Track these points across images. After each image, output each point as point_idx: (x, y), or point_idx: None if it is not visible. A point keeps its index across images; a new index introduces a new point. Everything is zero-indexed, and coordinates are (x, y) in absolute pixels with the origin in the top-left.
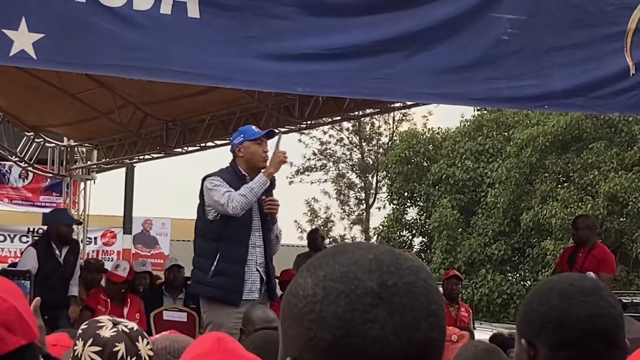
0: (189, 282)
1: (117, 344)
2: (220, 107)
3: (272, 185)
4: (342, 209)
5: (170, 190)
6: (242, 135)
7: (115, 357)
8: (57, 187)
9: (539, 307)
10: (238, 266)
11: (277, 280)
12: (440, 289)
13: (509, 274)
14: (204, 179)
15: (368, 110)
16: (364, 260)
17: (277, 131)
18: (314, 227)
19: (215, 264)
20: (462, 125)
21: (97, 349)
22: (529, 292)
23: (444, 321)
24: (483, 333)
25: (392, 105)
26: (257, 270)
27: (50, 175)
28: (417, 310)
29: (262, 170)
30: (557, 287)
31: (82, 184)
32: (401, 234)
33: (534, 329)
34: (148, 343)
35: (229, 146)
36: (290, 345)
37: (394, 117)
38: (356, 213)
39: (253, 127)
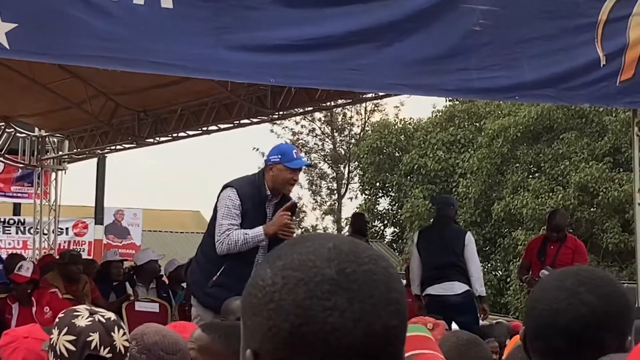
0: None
1: (91, 333)
2: (192, 97)
3: (294, 208)
4: (314, 199)
5: (142, 180)
6: (279, 156)
7: (89, 346)
8: (29, 178)
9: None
10: (239, 283)
11: None
12: (404, 280)
13: (481, 264)
14: (224, 187)
15: (340, 101)
16: (322, 249)
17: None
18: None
19: (217, 275)
20: (433, 115)
21: (72, 338)
22: None
23: (405, 309)
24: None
25: (364, 96)
26: None
27: (22, 165)
28: (376, 298)
29: (264, 226)
30: (544, 279)
31: (54, 174)
32: (373, 224)
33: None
34: (124, 334)
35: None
36: (250, 337)
37: (365, 108)
38: (328, 203)
39: (294, 151)
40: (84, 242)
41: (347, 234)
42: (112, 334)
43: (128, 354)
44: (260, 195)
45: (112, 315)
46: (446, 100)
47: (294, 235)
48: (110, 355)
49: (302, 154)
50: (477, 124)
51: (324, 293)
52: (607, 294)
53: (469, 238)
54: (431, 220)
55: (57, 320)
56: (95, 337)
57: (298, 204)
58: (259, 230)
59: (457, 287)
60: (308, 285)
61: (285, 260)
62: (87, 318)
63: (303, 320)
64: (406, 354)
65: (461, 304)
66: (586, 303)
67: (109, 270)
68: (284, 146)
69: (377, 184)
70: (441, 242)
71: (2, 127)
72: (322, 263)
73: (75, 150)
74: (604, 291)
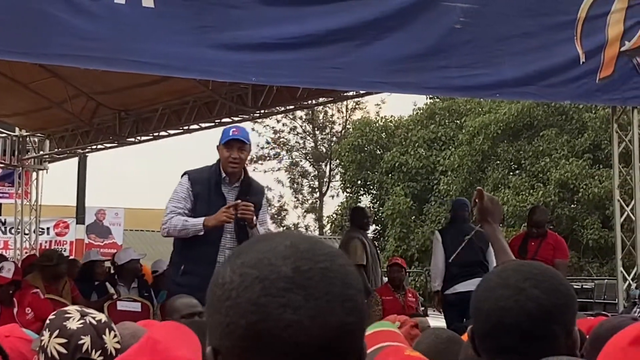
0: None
1: (82, 336)
2: (173, 96)
3: (246, 191)
4: (295, 197)
5: (124, 180)
6: (220, 139)
7: (80, 350)
8: (9, 178)
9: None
10: (206, 266)
11: None
12: (385, 278)
13: None
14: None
15: (321, 99)
16: (280, 247)
17: (243, 140)
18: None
19: (184, 262)
20: (414, 113)
21: (63, 340)
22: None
23: (362, 307)
24: (437, 320)
25: (345, 94)
26: None
27: (2, 165)
28: (332, 295)
29: (206, 218)
30: (486, 278)
31: (35, 174)
32: None
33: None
34: (115, 336)
35: (185, 135)
36: (211, 335)
37: (347, 106)
38: (309, 201)
39: (232, 130)
40: (65, 242)
41: (347, 228)
42: (104, 336)
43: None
44: (215, 179)
45: (103, 317)
46: (427, 98)
47: (252, 212)
48: (101, 358)
49: (284, 152)
50: (457, 121)
51: (279, 290)
52: (551, 287)
53: None
54: (447, 221)
55: (47, 321)
56: (86, 340)
57: (249, 200)
58: (199, 220)
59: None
60: (263, 282)
61: (244, 259)
62: (78, 320)
63: (259, 317)
64: (372, 348)
65: None
66: (532, 298)
67: (92, 270)
68: (226, 128)
69: (359, 181)
70: (468, 241)
71: None
72: (278, 261)
73: (56, 149)
74: (547, 285)
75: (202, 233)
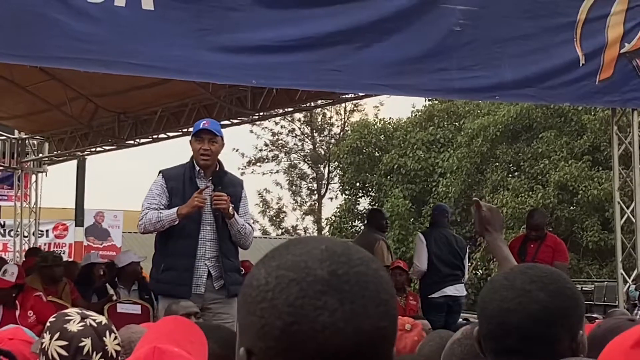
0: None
1: (83, 339)
2: (172, 99)
3: (219, 182)
4: (294, 199)
5: (122, 182)
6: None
7: (81, 352)
8: (9, 180)
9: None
10: (186, 260)
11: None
12: None
13: None
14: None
15: (320, 102)
16: (315, 250)
17: (213, 132)
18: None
19: (165, 259)
20: (413, 115)
21: (64, 343)
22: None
23: (394, 311)
24: None
25: (344, 96)
26: (205, 264)
27: (1, 168)
28: (366, 299)
29: (178, 207)
30: (493, 280)
31: (34, 176)
32: (353, 224)
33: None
34: (116, 338)
35: (184, 137)
36: (244, 336)
37: (345, 108)
38: (308, 204)
39: (202, 122)
40: (64, 244)
41: (364, 229)
42: (104, 338)
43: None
44: (190, 173)
45: (103, 319)
46: (425, 100)
47: (225, 202)
48: None
49: (282, 155)
50: (456, 123)
51: (316, 293)
52: (557, 290)
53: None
54: (428, 225)
55: (48, 324)
56: (87, 343)
57: (221, 190)
58: (172, 210)
59: (462, 289)
60: (300, 285)
61: (280, 261)
62: (78, 323)
63: (294, 319)
64: None
65: (462, 304)
66: (536, 300)
67: (92, 272)
68: (197, 122)
69: (357, 184)
70: (451, 246)
71: None
72: (315, 264)
73: (55, 152)
74: (553, 288)
75: (176, 223)
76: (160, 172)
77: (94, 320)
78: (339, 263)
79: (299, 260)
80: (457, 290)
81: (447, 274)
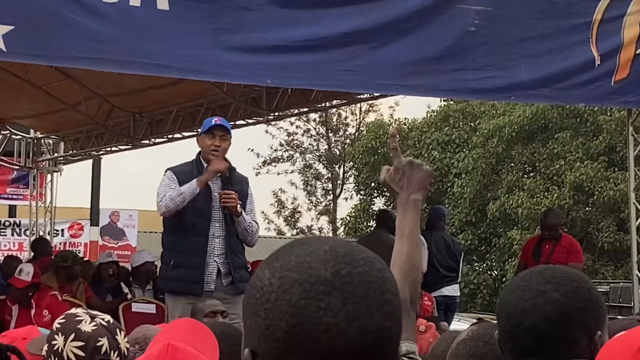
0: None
1: (99, 338)
2: (187, 98)
3: (228, 179)
4: (309, 199)
5: (138, 182)
6: (202, 128)
7: (99, 352)
8: (24, 179)
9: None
10: (197, 257)
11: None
12: None
13: (476, 264)
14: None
15: (335, 102)
16: (319, 251)
17: (226, 127)
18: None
19: (175, 256)
20: (428, 115)
21: (80, 343)
22: None
23: (399, 311)
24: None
25: (359, 97)
26: (215, 261)
27: (17, 167)
28: (370, 299)
29: (197, 178)
30: (510, 281)
31: (49, 176)
32: (368, 224)
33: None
34: (125, 336)
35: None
36: (249, 337)
37: (360, 108)
38: (323, 204)
39: (213, 119)
40: (79, 244)
41: (374, 230)
42: (117, 337)
43: (128, 357)
44: (198, 169)
45: (109, 318)
46: (441, 101)
47: (234, 200)
48: (118, 359)
49: (297, 155)
50: (471, 123)
51: (319, 294)
52: (572, 290)
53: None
54: (425, 226)
55: (58, 325)
56: (104, 342)
57: (230, 189)
58: (191, 183)
59: (457, 290)
60: (304, 286)
61: (283, 262)
62: (90, 323)
63: (298, 320)
64: None
65: (457, 304)
66: (551, 301)
67: (101, 272)
68: (208, 119)
69: (372, 184)
70: (449, 248)
71: None
72: (318, 265)
73: (70, 151)
74: (568, 288)
75: (197, 192)
76: (168, 169)
77: (103, 319)
78: (342, 263)
79: (303, 261)
80: (453, 290)
81: (445, 275)
